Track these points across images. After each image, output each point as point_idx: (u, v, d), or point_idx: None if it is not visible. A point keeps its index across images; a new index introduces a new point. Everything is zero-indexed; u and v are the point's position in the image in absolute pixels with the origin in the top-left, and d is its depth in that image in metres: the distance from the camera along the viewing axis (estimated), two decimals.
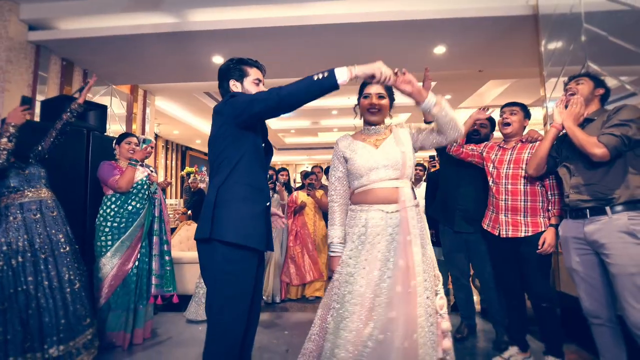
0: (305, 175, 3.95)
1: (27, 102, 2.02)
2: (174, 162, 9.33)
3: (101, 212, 2.45)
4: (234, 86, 1.43)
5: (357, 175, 1.45)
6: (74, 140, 2.71)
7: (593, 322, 1.63)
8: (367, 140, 1.49)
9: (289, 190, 3.95)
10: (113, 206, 2.44)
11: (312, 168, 4.33)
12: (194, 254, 3.48)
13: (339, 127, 8.66)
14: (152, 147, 2.78)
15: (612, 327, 1.58)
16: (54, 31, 3.21)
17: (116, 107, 5.01)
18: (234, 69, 1.44)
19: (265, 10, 2.95)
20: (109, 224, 2.41)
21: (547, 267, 1.94)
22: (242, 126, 1.31)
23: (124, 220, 2.44)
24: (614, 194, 1.49)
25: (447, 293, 3.58)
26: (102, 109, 3.03)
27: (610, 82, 1.90)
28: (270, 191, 3.54)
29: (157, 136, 7.71)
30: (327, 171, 4.41)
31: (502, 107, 2.13)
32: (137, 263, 2.48)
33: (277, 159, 11.87)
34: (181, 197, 8.48)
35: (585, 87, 1.68)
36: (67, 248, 2.09)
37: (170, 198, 8.46)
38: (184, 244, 3.95)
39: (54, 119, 2.75)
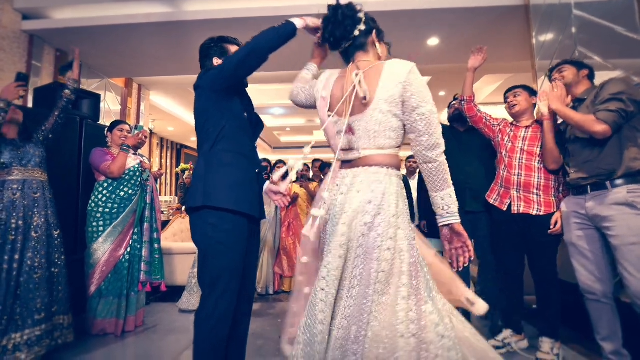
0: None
1: (22, 78, 1.98)
2: (169, 161, 9.29)
3: (93, 198, 2.44)
4: (218, 64, 1.44)
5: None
6: (68, 128, 2.70)
7: (589, 297, 1.66)
8: None
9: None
10: (105, 192, 2.44)
11: (313, 162, 4.35)
12: (184, 245, 3.48)
13: None
14: (145, 137, 2.78)
15: (608, 304, 1.61)
16: (48, 20, 3.21)
17: (110, 102, 5.00)
18: (215, 46, 1.47)
19: (258, 0, 2.97)
20: (100, 209, 2.40)
21: (556, 246, 1.94)
22: (221, 93, 1.33)
23: (115, 206, 2.43)
24: (612, 169, 1.53)
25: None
26: (95, 98, 3.03)
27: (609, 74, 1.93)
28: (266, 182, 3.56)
29: (151, 133, 7.68)
30: (322, 167, 4.42)
31: (505, 93, 2.14)
32: (129, 249, 2.47)
33: (274, 158, 11.87)
34: (176, 195, 8.44)
35: (570, 73, 1.75)
36: (40, 233, 2.00)
37: (165, 195, 8.42)
38: (177, 236, 3.94)
39: (47, 106, 2.76)
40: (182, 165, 7.48)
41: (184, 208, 6.29)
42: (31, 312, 1.89)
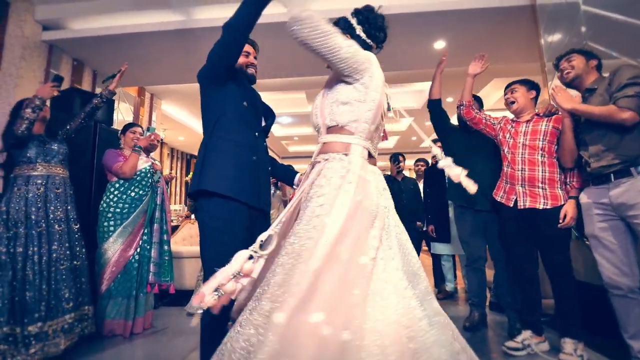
0: None
1: (57, 79, 2.13)
2: (178, 171, 9.42)
3: (104, 198, 2.48)
4: None
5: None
6: (82, 132, 2.75)
7: (614, 293, 1.59)
8: None
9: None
10: (116, 192, 2.48)
11: None
12: (193, 249, 3.48)
13: None
14: (157, 140, 2.84)
15: (635, 298, 1.53)
16: (66, 31, 3.34)
17: (124, 112, 5.13)
18: None
19: (268, 7, 3.04)
20: (111, 209, 2.44)
21: (567, 239, 1.89)
22: (216, 82, 1.35)
23: (126, 206, 2.46)
24: (637, 154, 1.49)
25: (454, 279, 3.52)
26: (109, 103, 3.11)
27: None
28: (272, 187, 3.57)
29: (162, 142, 7.82)
30: None
31: (505, 89, 2.15)
32: (138, 250, 2.49)
33: None
34: (185, 204, 8.52)
35: (579, 62, 1.71)
36: (63, 226, 2.08)
37: (174, 204, 8.50)
38: (186, 240, 3.95)
39: (63, 110, 2.85)
40: (192, 174, 7.53)
41: (193, 216, 6.35)
42: (61, 301, 1.97)
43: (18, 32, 3.12)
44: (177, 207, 8.06)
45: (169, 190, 8.15)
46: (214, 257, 1.25)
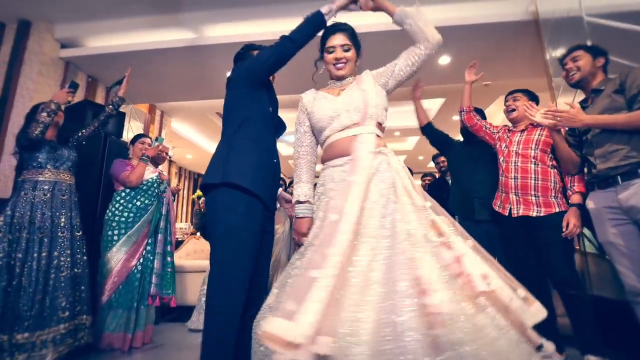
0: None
1: (73, 86, 2.19)
2: (186, 191, 9.48)
3: (110, 207, 2.47)
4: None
5: (320, 129, 1.33)
6: (92, 142, 2.81)
7: (637, 300, 1.49)
8: (330, 91, 1.40)
9: None
10: (122, 201, 2.47)
11: None
12: (197, 263, 3.43)
13: None
14: (166, 153, 2.87)
15: None
16: (82, 48, 3.47)
17: (134, 128, 5.24)
18: (244, 54, 1.60)
19: (276, 24, 3.14)
20: (116, 218, 2.43)
21: (570, 251, 1.82)
22: (253, 84, 1.39)
23: (131, 215, 2.45)
24: None
25: None
26: (120, 116, 3.18)
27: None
28: (277, 202, 3.54)
29: (170, 161, 7.92)
30: None
31: (506, 96, 2.15)
32: (141, 260, 2.45)
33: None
34: (191, 223, 8.50)
35: (585, 62, 1.66)
36: (66, 233, 2.06)
37: (180, 222, 8.49)
38: (190, 256, 3.90)
39: (76, 122, 2.92)
40: (199, 192, 7.59)
41: (198, 233, 6.31)
42: (56, 310, 1.91)
43: (37, 49, 3.25)
44: (183, 225, 8.05)
45: (175, 206, 8.16)
46: (229, 256, 1.22)
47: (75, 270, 2.07)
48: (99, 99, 3.98)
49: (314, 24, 1.36)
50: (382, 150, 1.23)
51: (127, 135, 4.60)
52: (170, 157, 7.37)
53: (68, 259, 2.03)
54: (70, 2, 3.06)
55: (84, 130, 2.35)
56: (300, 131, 1.40)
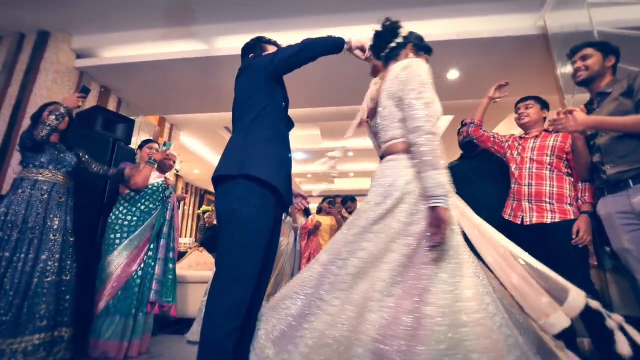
0: (324, 199, 3.97)
1: (84, 90, 2.21)
2: (192, 207, 9.47)
3: (114, 210, 2.45)
4: (268, 52, 1.54)
5: None
6: (100, 147, 2.84)
7: None
8: None
9: (308, 214, 3.89)
10: (126, 204, 2.45)
11: (335, 197, 4.31)
12: (199, 273, 3.35)
13: (355, 171, 8.73)
14: (173, 160, 2.86)
15: None
16: (96, 59, 3.56)
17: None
18: (255, 45, 1.62)
19: (287, 38, 3.20)
20: (119, 221, 2.39)
21: (584, 259, 1.72)
22: (270, 77, 1.40)
23: (134, 218, 2.42)
24: None
25: None
26: (129, 123, 3.21)
27: None
28: (283, 213, 3.49)
29: (177, 176, 7.96)
30: (344, 201, 4.36)
31: (516, 103, 2.12)
32: (142, 265, 2.39)
33: None
34: (195, 238, 8.43)
35: (595, 61, 1.61)
36: (58, 236, 2.00)
37: (184, 237, 8.42)
38: (192, 267, 3.82)
39: (88, 128, 2.95)
40: (204, 207, 7.56)
41: (201, 248, 6.23)
42: (34, 317, 1.79)
43: (54, 59, 3.34)
44: (187, 240, 7.98)
45: (180, 220, 8.10)
46: (241, 250, 1.17)
47: (62, 276, 1.99)
48: (111, 108, 4.05)
49: (332, 44, 1.42)
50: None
51: (136, 144, 4.65)
52: (177, 171, 7.41)
53: (55, 264, 1.95)
54: (88, 14, 3.17)
55: (94, 165, 2.33)
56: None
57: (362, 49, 1.46)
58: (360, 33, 3.07)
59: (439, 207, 1.02)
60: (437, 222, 1.02)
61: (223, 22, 3.24)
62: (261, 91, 1.38)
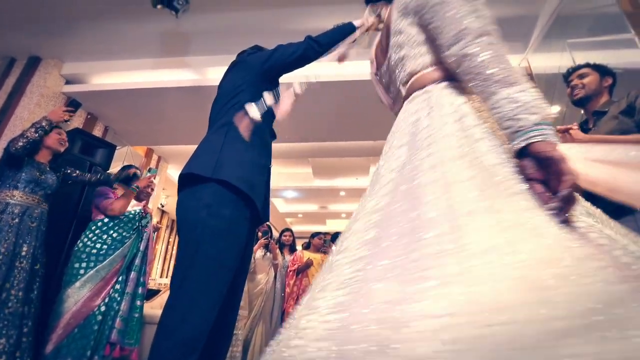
0: (313, 235, 3.77)
1: (73, 104, 2.13)
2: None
3: (82, 237, 2.23)
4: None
5: None
6: (77, 170, 2.69)
7: None
8: None
9: (293, 250, 3.66)
10: (97, 231, 2.24)
11: (325, 234, 4.10)
12: None
13: (347, 212, 8.59)
14: (152, 188, 2.72)
15: None
16: (84, 85, 3.54)
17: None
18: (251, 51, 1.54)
19: None
20: (87, 249, 2.17)
21: None
22: (268, 74, 1.30)
23: (105, 247, 2.20)
24: None
25: None
26: (110, 148, 3.10)
27: None
28: (263, 249, 3.26)
29: (163, 212, 7.69)
30: (333, 239, 4.16)
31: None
32: (106, 300, 2.13)
33: None
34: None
35: (592, 80, 1.59)
36: (25, 264, 1.84)
37: (162, 277, 7.90)
38: None
39: (66, 150, 2.82)
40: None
41: None
42: None
43: (41, 83, 3.30)
44: (166, 280, 7.48)
45: (156, 257, 7.64)
46: (202, 269, 0.99)
47: (26, 307, 1.79)
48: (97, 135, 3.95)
49: (344, 31, 1.31)
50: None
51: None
52: (162, 206, 7.16)
53: (20, 293, 1.77)
54: (82, 42, 3.18)
55: (79, 173, 2.28)
56: None
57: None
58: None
59: (539, 142, 0.55)
60: (549, 164, 0.53)
61: (215, 54, 3.29)
62: (251, 89, 1.26)
